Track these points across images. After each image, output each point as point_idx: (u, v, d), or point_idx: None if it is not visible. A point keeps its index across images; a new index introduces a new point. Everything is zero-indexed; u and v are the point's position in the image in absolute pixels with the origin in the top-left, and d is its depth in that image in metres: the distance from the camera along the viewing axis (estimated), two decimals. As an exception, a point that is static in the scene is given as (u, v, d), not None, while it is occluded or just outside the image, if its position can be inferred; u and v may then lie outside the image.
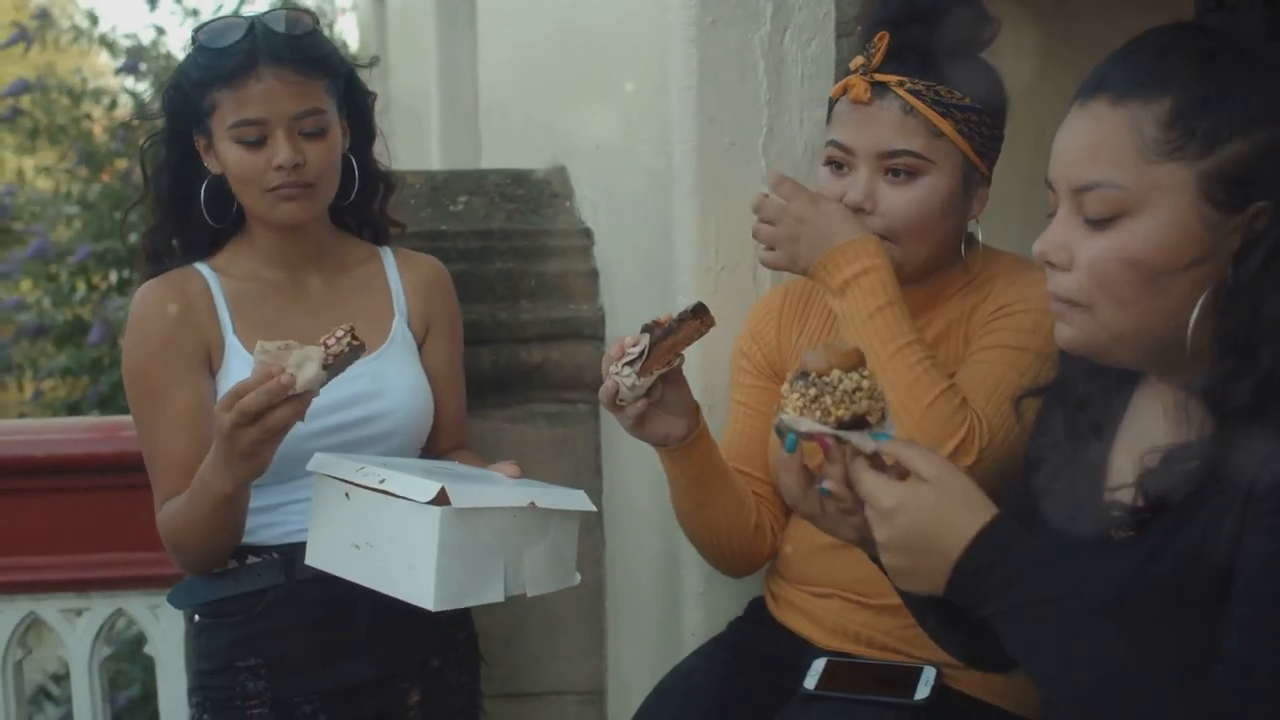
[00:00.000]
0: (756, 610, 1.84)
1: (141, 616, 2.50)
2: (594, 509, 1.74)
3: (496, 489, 1.65)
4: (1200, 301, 1.13)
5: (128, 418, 1.96)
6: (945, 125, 1.60)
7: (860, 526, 1.21)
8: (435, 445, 1.97)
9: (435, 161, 4.54)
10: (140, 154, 1.93)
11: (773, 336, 1.82)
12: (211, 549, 1.80)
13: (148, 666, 2.96)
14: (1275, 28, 1.14)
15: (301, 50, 1.80)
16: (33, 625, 2.52)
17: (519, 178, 2.54)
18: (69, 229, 6.09)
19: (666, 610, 2.12)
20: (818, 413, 1.18)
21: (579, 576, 1.74)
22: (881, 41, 1.62)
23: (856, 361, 1.19)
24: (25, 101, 6.15)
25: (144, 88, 6.46)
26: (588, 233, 2.43)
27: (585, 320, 2.37)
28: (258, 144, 1.77)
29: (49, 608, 2.49)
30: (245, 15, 1.86)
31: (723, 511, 1.73)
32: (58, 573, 2.47)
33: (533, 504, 1.63)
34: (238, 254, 1.90)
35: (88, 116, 6.28)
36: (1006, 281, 1.65)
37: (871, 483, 1.15)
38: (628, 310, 2.29)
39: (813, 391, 1.18)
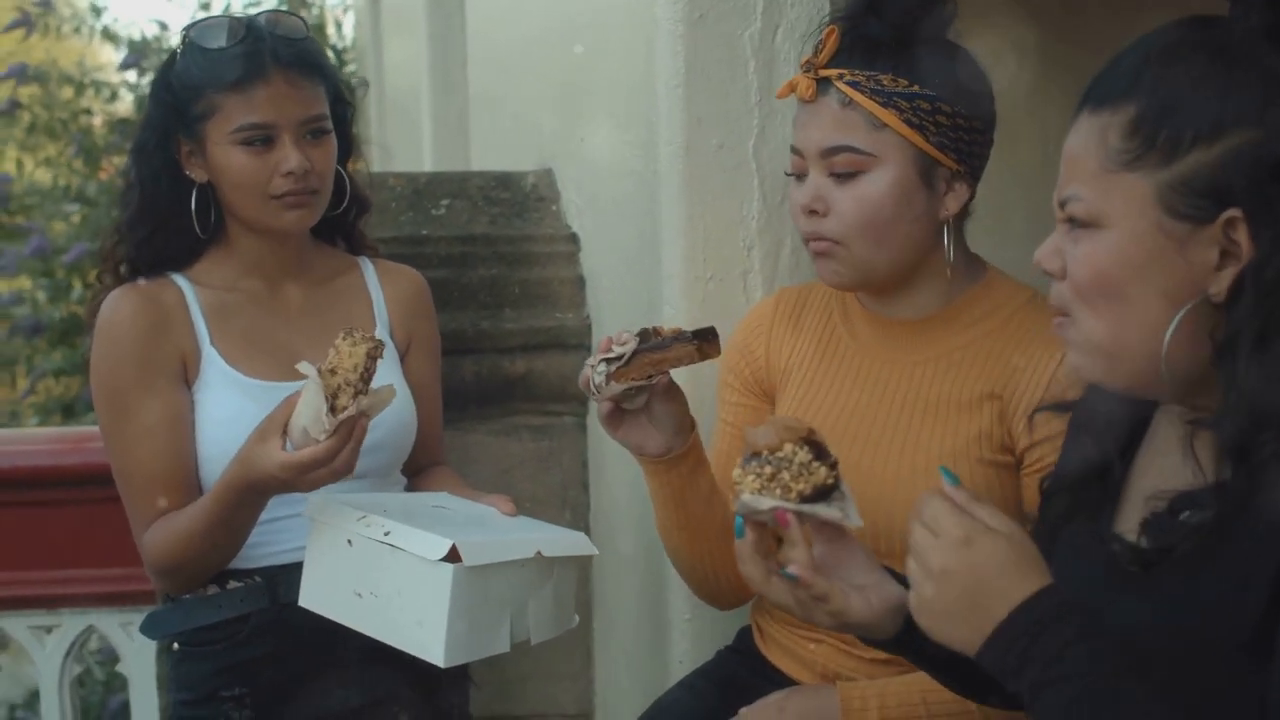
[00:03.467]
0: (744, 641, 1.76)
1: (113, 634, 2.44)
2: (596, 552, 1.73)
3: (503, 539, 1.61)
4: (1176, 319, 1.06)
5: (95, 429, 1.90)
6: (887, 115, 1.50)
7: (836, 612, 1.16)
8: (412, 461, 1.91)
9: (427, 159, 4.49)
10: (133, 156, 1.85)
11: (763, 352, 1.73)
12: (220, 559, 1.74)
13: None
14: (1275, 31, 1.06)
15: (309, 55, 1.78)
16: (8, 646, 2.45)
17: (504, 180, 2.46)
18: (66, 225, 6.06)
19: (654, 635, 2.05)
20: (777, 490, 1.15)
21: (578, 618, 1.72)
22: (829, 37, 1.53)
23: (805, 432, 1.16)
24: (24, 95, 6.10)
25: (145, 83, 6.42)
26: (574, 238, 2.36)
27: (570, 329, 2.30)
28: (263, 149, 1.73)
29: (17, 625, 2.44)
30: (238, 15, 1.82)
31: (704, 537, 1.65)
32: (26, 589, 2.42)
33: (539, 554, 1.60)
34: (214, 264, 1.83)
35: (87, 111, 6.24)
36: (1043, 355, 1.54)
37: (940, 507, 1.11)
38: (614, 319, 2.21)
39: (768, 470, 1.15)
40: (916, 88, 1.50)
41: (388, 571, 1.54)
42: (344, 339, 1.51)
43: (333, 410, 1.50)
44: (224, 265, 1.83)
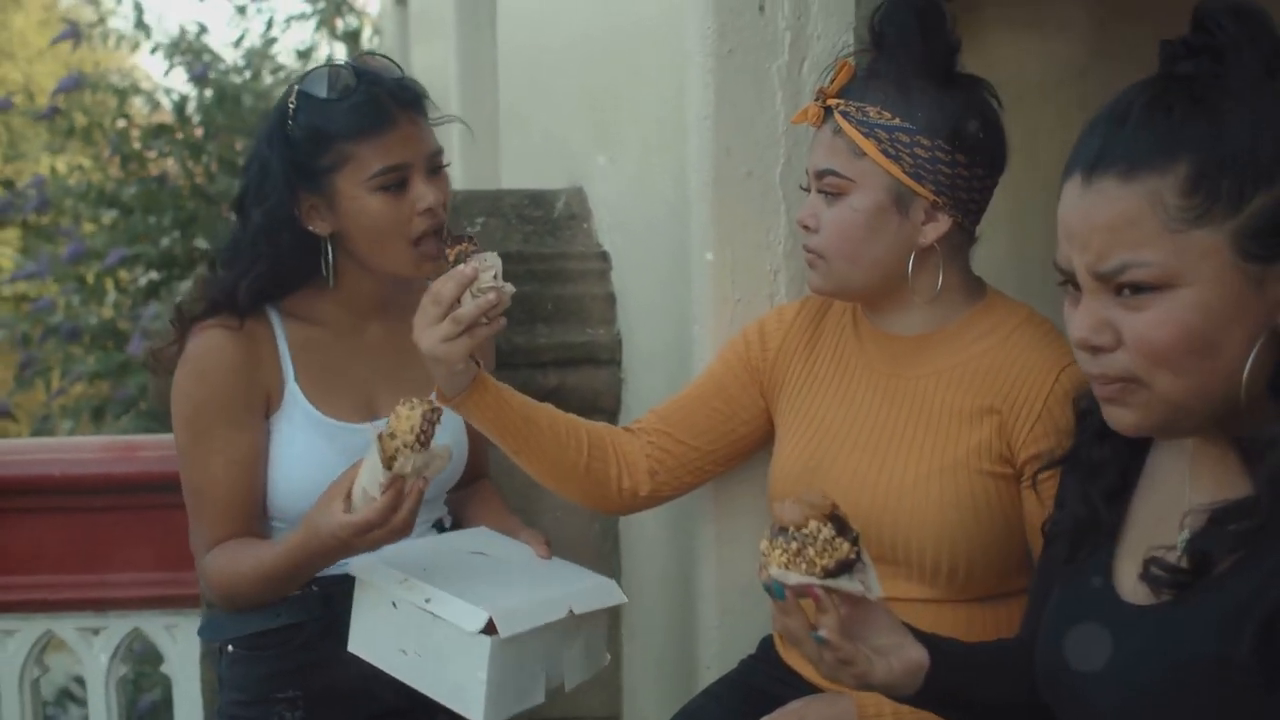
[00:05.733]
0: (766, 649, 1.82)
1: (158, 636, 2.52)
2: (625, 600, 1.79)
3: (537, 600, 1.68)
4: (1255, 352, 1.08)
5: (144, 437, 1.98)
6: (867, 144, 1.59)
7: (860, 675, 1.23)
8: (464, 474, 1.98)
9: (456, 170, 4.49)
10: (250, 212, 1.79)
11: (774, 349, 1.81)
12: (280, 596, 1.79)
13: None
14: (1269, 63, 1.09)
15: (419, 91, 1.80)
16: (50, 643, 2.53)
17: (536, 198, 2.52)
18: (99, 229, 6.14)
19: (682, 640, 2.10)
20: (803, 565, 1.22)
21: (609, 657, 1.81)
22: (841, 68, 1.64)
23: (829, 507, 1.23)
24: (61, 100, 6.20)
25: (192, 90, 6.50)
26: (605, 256, 2.41)
27: (602, 345, 2.36)
28: (399, 192, 1.74)
29: (66, 626, 2.52)
30: (341, 63, 1.80)
31: (536, 453, 1.76)
32: (75, 591, 2.50)
33: (571, 611, 1.68)
34: (308, 298, 1.84)
35: (125, 116, 6.32)
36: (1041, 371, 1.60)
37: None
38: (645, 335, 2.27)
39: (794, 545, 1.22)
40: (898, 120, 1.58)
41: (430, 637, 1.63)
42: (403, 404, 1.57)
43: (389, 471, 1.56)
44: (317, 299, 1.84)
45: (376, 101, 1.73)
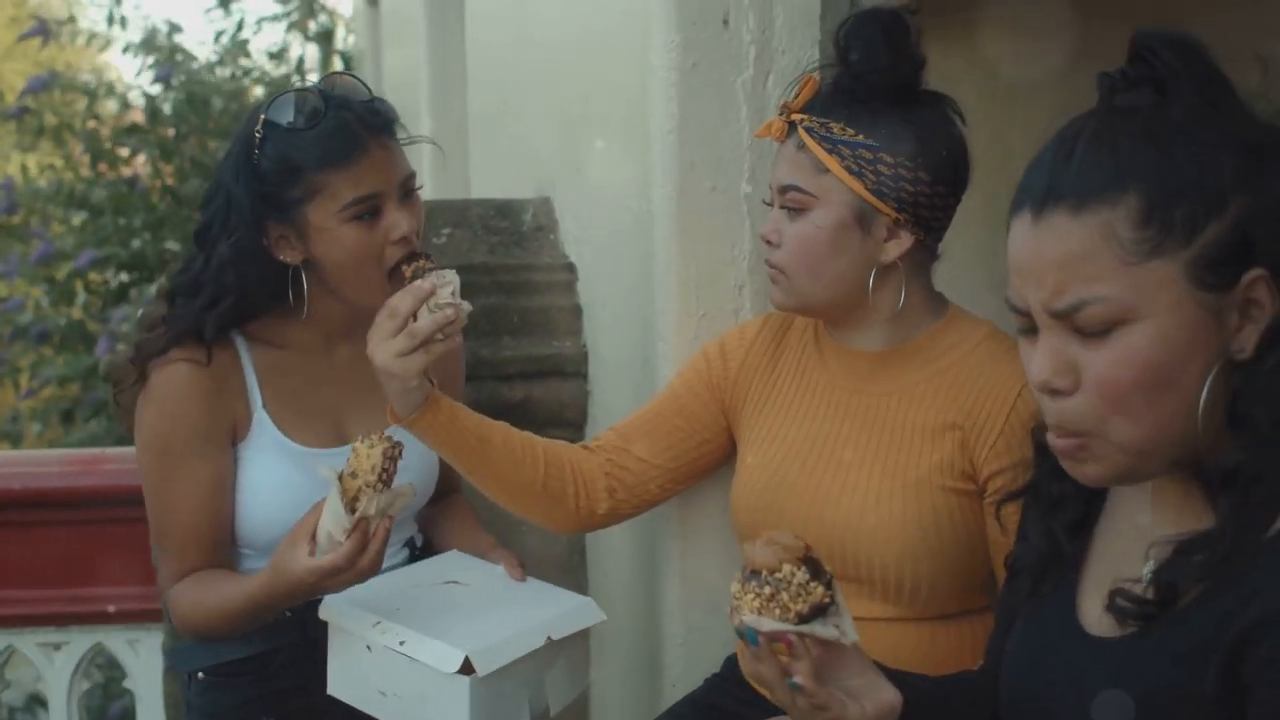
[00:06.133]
0: (731, 668, 1.81)
1: (120, 651, 2.49)
2: (605, 618, 1.76)
3: (514, 630, 1.65)
4: (1209, 381, 1.08)
5: (107, 451, 1.95)
6: (830, 161, 1.58)
7: (834, 719, 1.21)
8: (435, 489, 1.96)
9: (425, 174, 4.45)
10: (205, 239, 1.74)
11: (736, 367, 1.80)
12: (244, 632, 1.75)
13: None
14: (1207, 93, 1.08)
15: (390, 114, 1.75)
16: (11, 658, 2.50)
17: (504, 209, 2.50)
18: (68, 229, 6.09)
19: (648, 656, 2.10)
20: (776, 610, 1.19)
21: (591, 675, 1.80)
22: (806, 83, 1.63)
23: (803, 550, 1.20)
24: (30, 100, 6.14)
25: (158, 89, 6.45)
26: (571, 267, 2.40)
27: (568, 357, 2.34)
28: (371, 221, 1.68)
29: (27, 641, 2.49)
30: (307, 88, 1.74)
31: (491, 472, 1.74)
32: (36, 607, 2.47)
33: (549, 639, 1.66)
34: (274, 323, 1.80)
35: (95, 116, 6.27)
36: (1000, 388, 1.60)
37: None
38: (610, 347, 2.26)
39: (768, 590, 1.19)
40: (861, 137, 1.58)
41: (407, 679, 1.61)
42: (362, 441, 1.54)
43: (353, 513, 1.53)
44: (285, 324, 1.80)
45: (347, 129, 1.67)
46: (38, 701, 4.29)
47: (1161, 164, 1.06)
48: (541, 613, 1.71)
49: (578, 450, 1.81)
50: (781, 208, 1.64)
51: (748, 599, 1.21)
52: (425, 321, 1.59)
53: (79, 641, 2.48)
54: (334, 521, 1.54)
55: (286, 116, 1.68)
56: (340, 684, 1.69)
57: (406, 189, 1.73)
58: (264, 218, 1.70)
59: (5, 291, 6.25)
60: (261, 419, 1.77)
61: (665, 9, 1.84)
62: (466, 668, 1.56)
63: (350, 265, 1.70)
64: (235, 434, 1.77)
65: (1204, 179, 1.06)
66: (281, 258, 1.72)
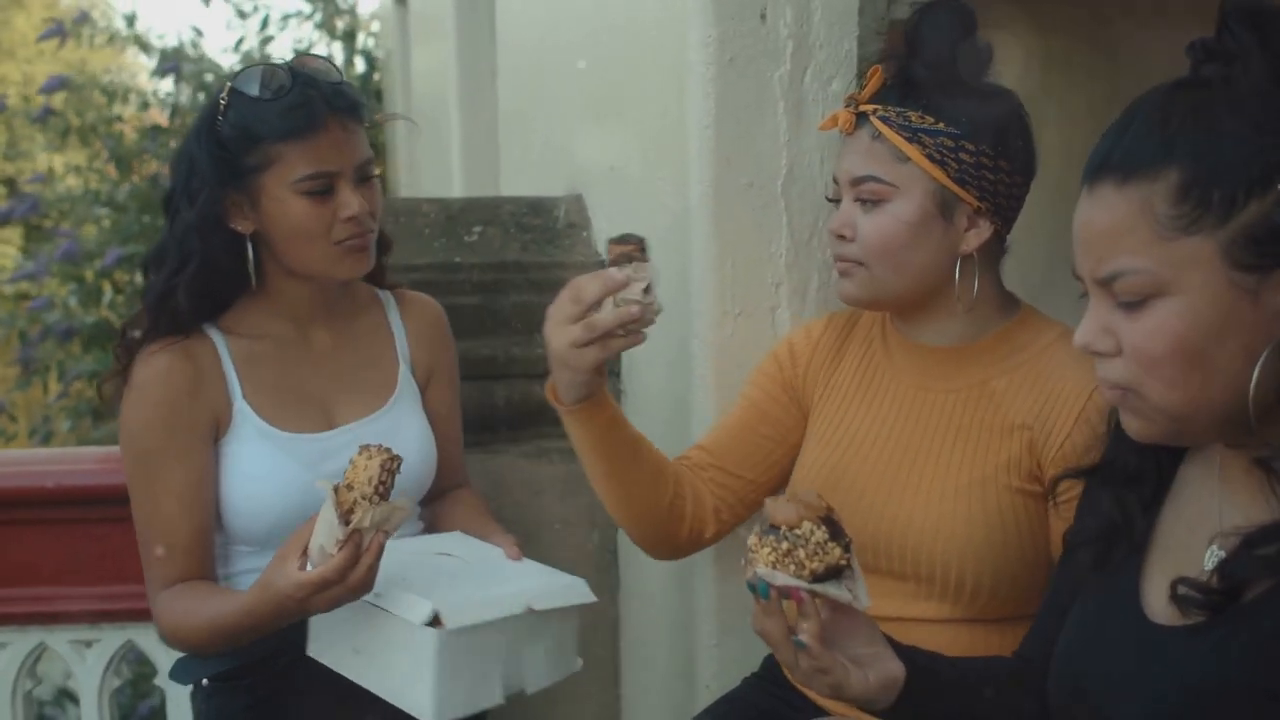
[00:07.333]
0: (770, 668, 1.79)
1: (151, 649, 2.48)
2: (594, 599, 1.71)
3: (492, 595, 1.61)
4: (1260, 363, 1.07)
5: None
6: (911, 150, 1.57)
7: (834, 684, 1.20)
8: (436, 484, 1.94)
9: (455, 172, 4.51)
10: (180, 210, 1.76)
11: (804, 366, 1.79)
12: (233, 648, 1.72)
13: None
14: (1277, 75, 1.06)
15: (355, 98, 1.76)
16: (43, 655, 2.50)
17: (535, 206, 2.49)
18: (98, 229, 6.12)
19: (682, 658, 2.08)
20: (791, 566, 1.18)
21: (580, 662, 1.74)
22: (873, 75, 1.61)
23: (824, 510, 1.19)
24: (57, 100, 6.17)
25: (179, 90, 6.48)
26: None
27: (601, 356, 2.31)
28: (324, 197, 1.71)
29: (59, 639, 2.48)
30: (278, 63, 1.76)
31: (631, 482, 1.68)
32: (68, 604, 2.46)
33: (529, 609, 1.61)
34: (244, 310, 1.81)
35: (119, 118, 6.30)
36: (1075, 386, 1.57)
37: None
38: (644, 346, 2.22)
39: (785, 545, 1.18)
40: (942, 125, 1.56)
41: (379, 632, 1.57)
42: (360, 453, 1.50)
43: (347, 525, 1.48)
44: (254, 311, 1.81)
45: (309, 104, 1.69)
46: (67, 696, 4.31)
47: (1205, 142, 1.06)
48: (526, 584, 1.66)
49: (688, 470, 1.76)
50: (856, 200, 1.61)
51: (764, 552, 1.20)
52: (608, 315, 1.51)
53: (110, 639, 2.47)
54: (327, 534, 1.49)
55: (253, 86, 1.71)
56: (319, 644, 1.66)
57: (363, 174, 1.74)
58: (223, 183, 1.71)
59: (36, 290, 6.29)
60: (243, 409, 1.76)
61: (702, 3, 1.83)
62: (436, 622, 1.52)
63: (296, 238, 1.72)
64: (218, 429, 1.76)
65: (1249, 158, 1.04)
66: (234, 226, 1.73)
